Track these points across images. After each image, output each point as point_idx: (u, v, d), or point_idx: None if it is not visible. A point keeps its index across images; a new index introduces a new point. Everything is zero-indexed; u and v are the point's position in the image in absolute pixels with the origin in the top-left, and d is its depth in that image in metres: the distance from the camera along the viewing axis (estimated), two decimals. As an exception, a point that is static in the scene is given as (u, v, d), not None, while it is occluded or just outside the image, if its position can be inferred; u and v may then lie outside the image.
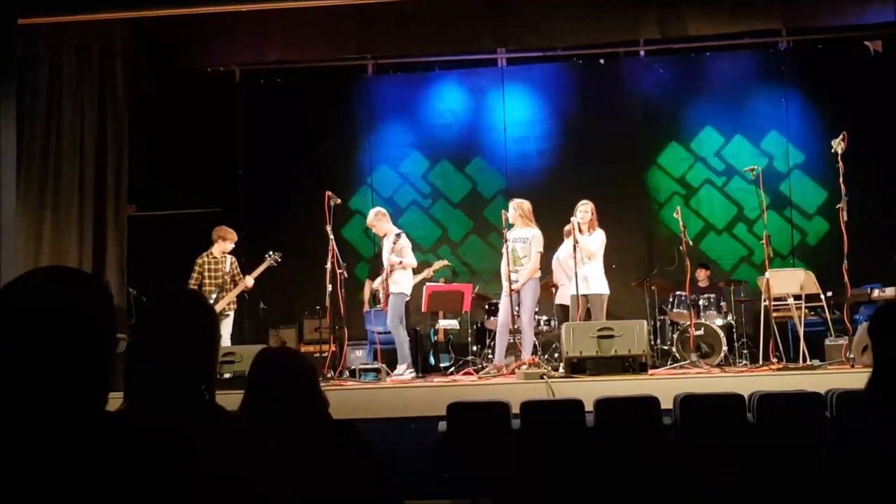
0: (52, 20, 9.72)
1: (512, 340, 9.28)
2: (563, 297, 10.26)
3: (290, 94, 12.62)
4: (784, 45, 12.49)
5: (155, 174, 11.40)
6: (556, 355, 9.89)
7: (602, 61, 12.78)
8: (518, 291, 9.32)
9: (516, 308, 9.27)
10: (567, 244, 9.98)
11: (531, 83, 12.89)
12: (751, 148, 12.40)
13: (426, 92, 12.99)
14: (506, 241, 9.41)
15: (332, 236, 9.38)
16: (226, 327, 9.83)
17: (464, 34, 10.38)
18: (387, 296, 9.63)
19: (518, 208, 9.58)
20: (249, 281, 9.87)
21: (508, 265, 9.33)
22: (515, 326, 9.18)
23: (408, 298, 9.77)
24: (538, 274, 9.53)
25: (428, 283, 10.53)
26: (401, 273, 9.66)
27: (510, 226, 9.59)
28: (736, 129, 12.50)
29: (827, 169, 10.25)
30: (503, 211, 9.63)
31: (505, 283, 9.54)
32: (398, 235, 9.71)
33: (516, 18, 9.97)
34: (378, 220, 9.85)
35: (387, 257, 9.68)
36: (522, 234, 9.46)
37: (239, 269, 10.03)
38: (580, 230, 9.46)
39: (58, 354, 1.61)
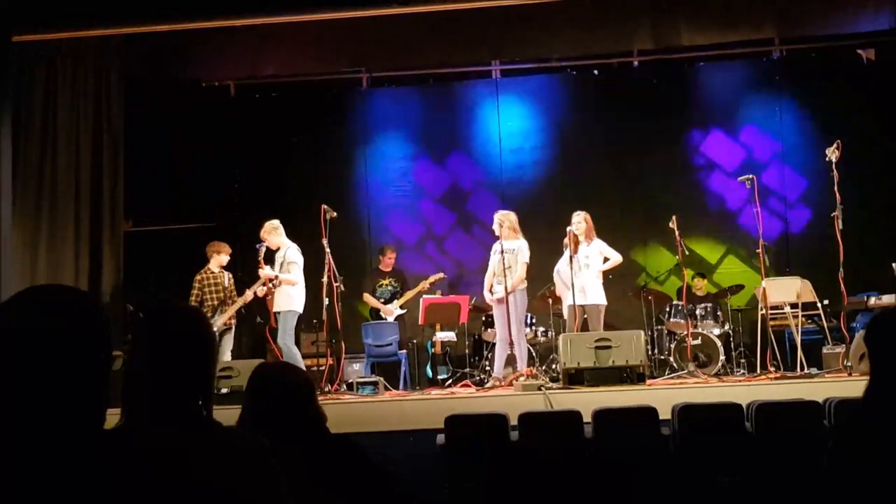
0: (46, 37, 9.74)
1: (510, 352, 9.30)
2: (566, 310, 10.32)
3: (285, 108, 12.63)
4: (777, 55, 12.54)
5: (151, 189, 11.41)
6: (553, 366, 9.89)
7: (596, 72, 12.82)
8: (506, 302, 9.36)
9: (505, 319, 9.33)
10: (565, 258, 10.03)
11: (525, 94, 12.92)
12: (745, 156, 12.43)
13: (421, 104, 13.02)
14: (502, 252, 9.43)
15: (328, 250, 9.38)
16: (227, 342, 9.87)
17: (457, 46, 10.38)
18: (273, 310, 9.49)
19: (505, 220, 9.61)
20: (249, 294, 9.85)
21: (503, 276, 9.39)
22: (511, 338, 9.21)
23: (299, 313, 9.49)
24: (524, 284, 9.55)
25: (424, 296, 10.53)
26: (289, 288, 9.43)
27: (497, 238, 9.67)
28: (730, 137, 12.54)
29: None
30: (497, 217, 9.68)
31: (488, 295, 9.60)
32: (289, 249, 9.52)
33: (510, 30, 9.98)
34: (270, 234, 9.58)
35: (277, 270, 9.50)
36: (509, 246, 9.48)
37: (234, 285, 10.06)
38: (577, 240, 9.48)
39: (53, 374, 1.60)
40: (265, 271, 9.53)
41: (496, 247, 9.64)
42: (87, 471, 1.58)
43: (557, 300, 10.46)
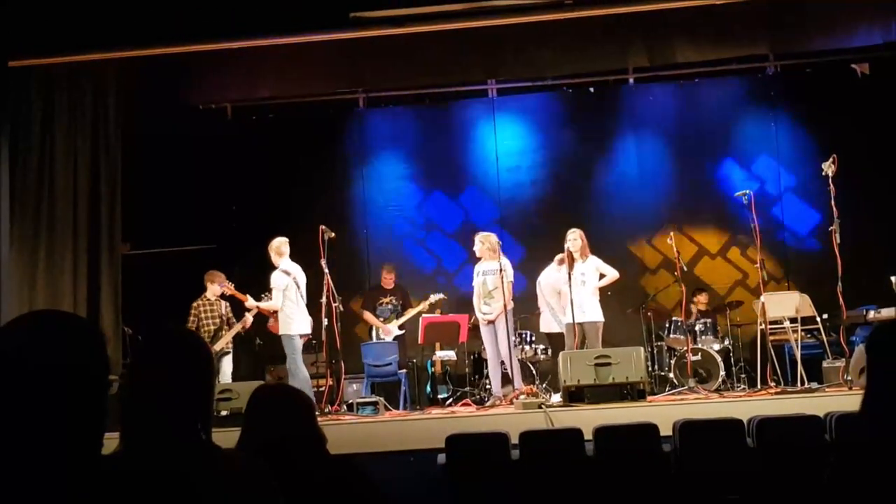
0: (43, 62, 9.77)
1: (504, 370, 9.35)
2: (543, 324, 10.36)
3: (281, 130, 12.65)
4: (772, 70, 12.58)
5: (149, 212, 11.40)
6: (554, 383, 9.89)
7: (592, 90, 12.85)
8: (493, 323, 9.42)
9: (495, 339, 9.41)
10: (550, 271, 10.04)
11: (522, 113, 12.95)
12: (742, 172, 12.45)
13: (418, 124, 13.05)
14: (487, 273, 9.50)
15: (326, 270, 9.38)
16: (226, 365, 9.99)
17: (454, 66, 10.42)
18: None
19: (485, 241, 9.68)
20: (249, 319, 9.94)
21: (489, 297, 9.49)
22: (501, 358, 9.30)
23: (297, 336, 9.49)
24: (511, 304, 9.60)
25: (424, 315, 10.53)
26: (280, 313, 9.51)
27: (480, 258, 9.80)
28: (726, 153, 12.56)
29: (819, 191, 10.28)
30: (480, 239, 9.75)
31: (480, 316, 9.64)
32: (274, 272, 9.56)
33: (505, 50, 10.02)
34: (271, 251, 9.67)
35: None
36: (491, 267, 9.57)
37: (231, 312, 10.14)
38: (573, 258, 9.49)
39: (50, 401, 1.60)
40: (249, 301, 9.80)
41: (478, 268, 9.78)
42: (86, 497, 1.57)
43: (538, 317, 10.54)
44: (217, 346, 9.82)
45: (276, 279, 9.52)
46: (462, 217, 12.77)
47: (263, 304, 9.68)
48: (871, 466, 2.42)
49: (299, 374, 9.30)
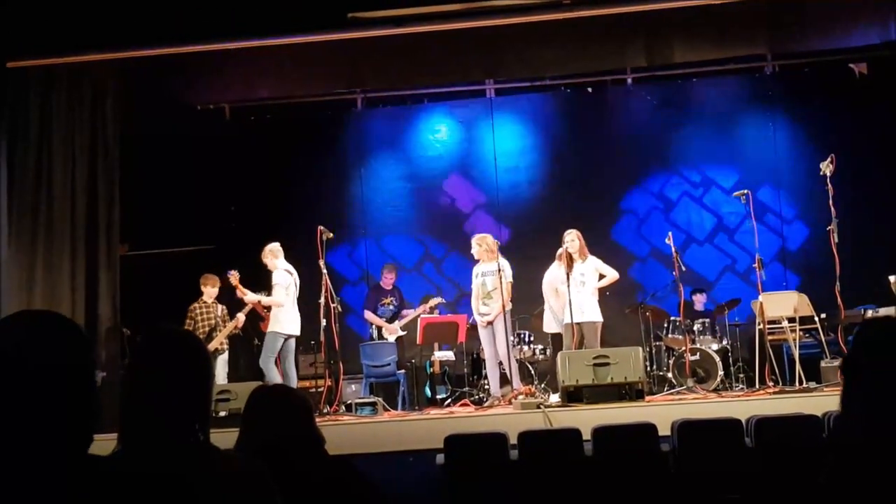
0: (41, 62, 9.77)
1: (502, 371, 9.37)
2: (546, 323, 10.37)
3: (280, 130, 12.65)
4: (770, 70, 12.59)
5: (147, 213, 11.40)
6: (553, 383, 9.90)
7: (590, 90, 12.85)
8: (492, 323, 9.42)
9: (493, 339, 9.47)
10: (552, 269, 10.03)
11: (520, 113, 12.95)
12: (739, 171, 12.44)
13: (416, 124, 13.05)
14: (485, 274, 9.53)
15: (325, 271, 9.39)
16: (220, 366, 9.95)
17: (452, 66, 10.43)
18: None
19: (482, 243, 9.68)
20: (241, 317, 9.95)
21: (488, 298, 9.51)
22: (499, 360, 9.31)
23: (285, 337, 9.51)
24: (509, 305, 9.60)
25: (422, 316, 10.53)
26: (275, 310, 9.58)
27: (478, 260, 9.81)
28: (724, 152, 12.56)
29: (816, 190, 10.29)
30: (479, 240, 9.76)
31: (478, 317, 9.64)
32: (276, 271, 9.59)
33: (504, 49, 10.02)
34: (266, 257, 9.72)
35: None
36: (490, 268, 9.56)
37: (227, 315, 10.14)
38: (571, 259, 9.49)
39: (36, 401, 1.59)
40: (248, 297, 9.77)
41: (476, 270, 9.79)
42: (84, 497, 1.58)
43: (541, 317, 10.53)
44: (210, 347, 9.82)
45: (279, 277, 9.53)
46: (458, 218, 12.76)
47: (267, 299, 9.63)
48: (864, 468, 2.42)
49: (270, 374, 9.33)
